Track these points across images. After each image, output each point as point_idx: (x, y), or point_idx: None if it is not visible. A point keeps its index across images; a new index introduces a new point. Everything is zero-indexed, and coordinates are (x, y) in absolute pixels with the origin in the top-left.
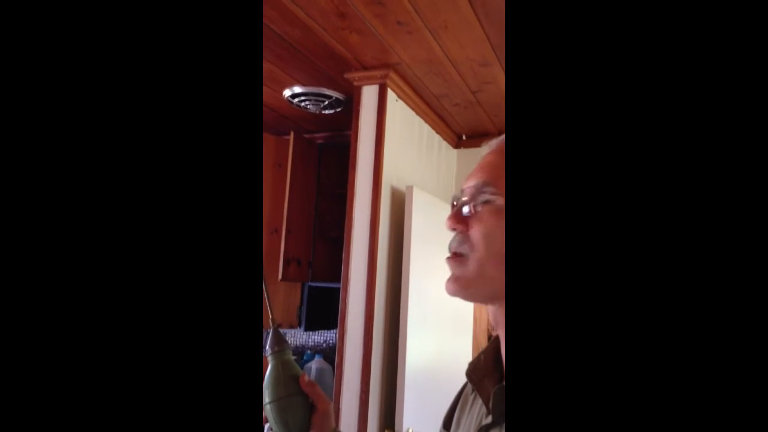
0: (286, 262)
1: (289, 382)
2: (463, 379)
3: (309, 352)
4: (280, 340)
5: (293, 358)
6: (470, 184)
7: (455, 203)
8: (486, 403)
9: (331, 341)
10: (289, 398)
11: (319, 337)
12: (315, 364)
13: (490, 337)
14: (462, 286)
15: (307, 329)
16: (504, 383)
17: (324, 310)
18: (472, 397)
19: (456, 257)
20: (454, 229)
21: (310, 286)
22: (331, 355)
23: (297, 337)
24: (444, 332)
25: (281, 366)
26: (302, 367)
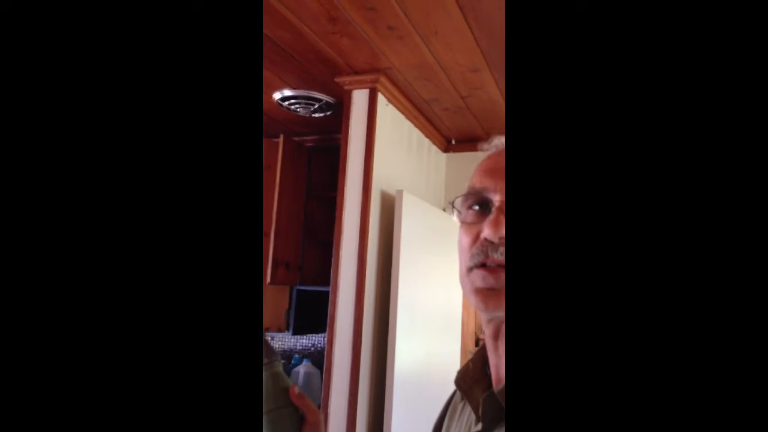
0: (275, 265)
1: (279, 395)
2: (451, 384)
3: (297, 356)
4: (269, 352)
5: (282, 362)
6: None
7: (495, 207)
8: (475, 410)
9: (319, 345)
10: (278, 410)
11: (307, 340)
12: (303, 368)
13: (477, 340)
14: (504, 301)
15: (295, 333)
16: (492, 390)
17: (312, 313)
18: (461, 405)
19: (500, 270)
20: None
21: (298, 290)
22: (319, 359)
23: (285, 341)
24: (432, 335)
25: (271, 378)
26: (290, 372)
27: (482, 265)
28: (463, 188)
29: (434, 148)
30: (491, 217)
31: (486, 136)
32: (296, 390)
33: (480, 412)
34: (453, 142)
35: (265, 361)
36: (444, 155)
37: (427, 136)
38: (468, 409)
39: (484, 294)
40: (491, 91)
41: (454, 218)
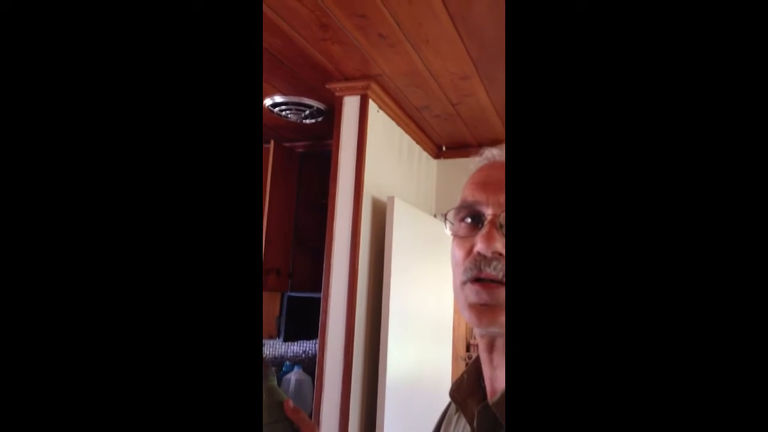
0: (266, 272)
1: (274, 409)
2: (443, 390)
3: (288, 363)
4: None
5: (274, 372)
6: (501, 200)
7: (487, 220)
8: (470, 422)
9: (310, 352)
10: (273, 425)
11: (298, 347)
12: (294, 375)
13: (468, 346)
14: (497, 316)
15: (286, 340)
16: (488, 402)
17: (304, 320)
18: (455, 417)
19: (494, 285)
20: (501, 254)
21: (289, 296)
22: (311, 366)
23: (276, 347)
24: (424, 342)
25: (265, 392)
26: (281, 379)
27: (476, 280)
28: (454, 195)
29: (425, 154)
30: (483, 231)
31: (476, 143)
32: (291, 404)
33: (475, 424)
34: (444, 148)
35: None
36: (435, 162)
37: (417, 142)
38: (462, 421)
39: (477, 309)
40: (481, 99)
41: (447, 231)
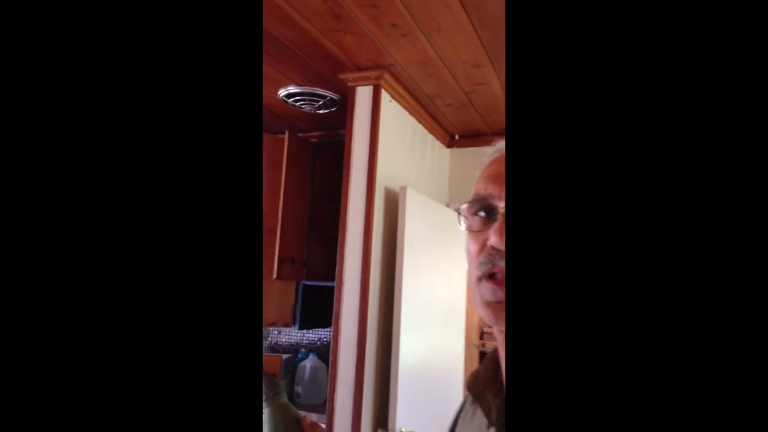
0: (281, 261)
1: (292, 426)
2: (455, 377)
3: (303, 350)
4: (273, 384)
5: (282, 386)
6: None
7: (500, 214)
8: (487, 414)
9: (325, 339)
10: None
11: (313, 335)
12: (309, 362)
13: (482, 334)
14: None
15: (301, 328)
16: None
17: (318, 308)
18: (471, 409)
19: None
20: None
21: (304, 285)
22: (326, 353)
23: (291, 335)
24: (436, 330)
25: (279, 411)
26: (296, 366)
27: (490, 276)
28: (467, 184)
29: (438, 143)
30: (497, 224)
31: (489, 131)
32: (308, 420)
33: (493, 417)
34: (456, 137)
35: (269, 393)
36: (447, 150)
37: (430, 131)
38: (479, 413)
39: (494, 308)
40: (494, 87)
41: (461, 226)
